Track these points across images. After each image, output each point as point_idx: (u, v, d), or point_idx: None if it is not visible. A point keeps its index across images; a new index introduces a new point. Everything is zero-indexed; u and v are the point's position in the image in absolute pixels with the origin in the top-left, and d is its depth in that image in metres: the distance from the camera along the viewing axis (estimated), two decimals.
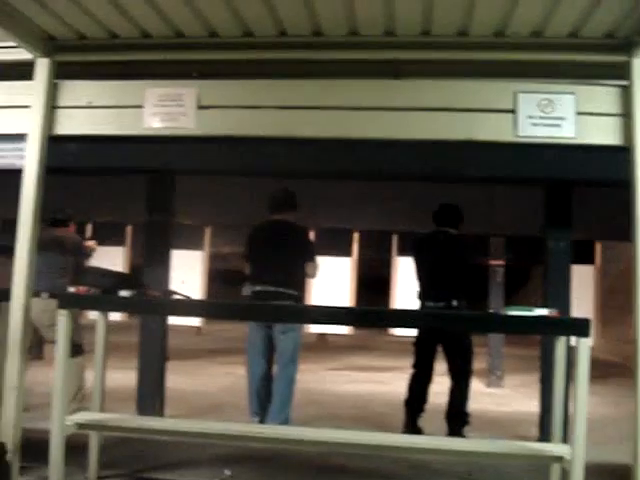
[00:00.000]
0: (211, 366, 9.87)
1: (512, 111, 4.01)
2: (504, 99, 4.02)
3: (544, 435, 5.03)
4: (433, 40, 4.02)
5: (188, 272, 8.81)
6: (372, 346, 13.45)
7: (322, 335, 12.64)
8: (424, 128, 4.08)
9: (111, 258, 8.36)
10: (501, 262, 8.69)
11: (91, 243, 6.28)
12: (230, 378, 8.63)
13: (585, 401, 3.41)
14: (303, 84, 4.19)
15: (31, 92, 4.26)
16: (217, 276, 12.16)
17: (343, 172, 4.68)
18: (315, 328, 9.36)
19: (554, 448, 3.78)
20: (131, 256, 9.54)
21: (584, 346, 3.42)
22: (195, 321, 10.31)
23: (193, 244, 9.13)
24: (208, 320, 11.05)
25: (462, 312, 5.12)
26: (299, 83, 4.20)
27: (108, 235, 8.53)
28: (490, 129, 4.03)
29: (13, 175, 4.64)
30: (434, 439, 4.36)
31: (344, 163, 4.53)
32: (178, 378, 6.86)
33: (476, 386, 5.65)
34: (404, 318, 4.24)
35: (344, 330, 9.76)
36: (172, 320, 6.44)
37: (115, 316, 5.93)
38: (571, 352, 3.68)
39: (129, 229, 9.39)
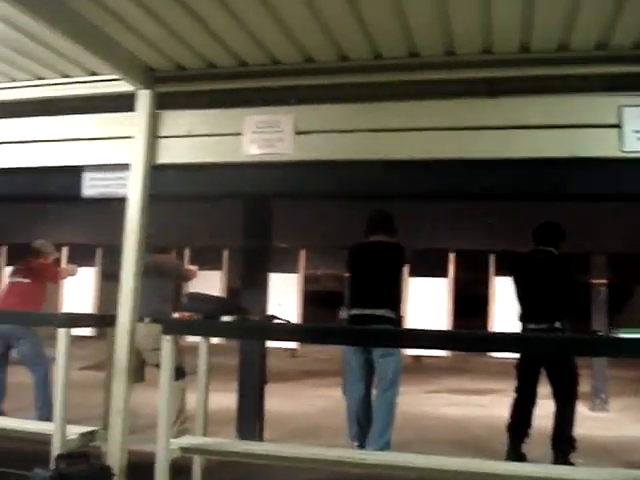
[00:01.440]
0: (307, 388, 9.88)
1: (617, 126, 3.88)
2: (608, 114, 3.90)
3: None
4: (532, 56, 3.94)
5: (284, 294, 8.87)
6: (469, 368, 13.18)
7: (417, 357, 12.48)
8: (524, 146, 4.01)
9: (209, 282, 8.50)
10: (604, 281, 8.39)
11: (193, 268, 6.42)
12: (327, 401, 8.60)
13: None
14: (398, 106, 4.18)
15: (133, 123, 4.41)
16: (312, 298, 12.19)
17: (439, 193, 4.61)
18: (410, 350, 9.26)
19: None
20: (228, 280, 9.67)
21: None
22: (291, 343, 10.36)
23: (288, 267, 9.20)
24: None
25: (569, 335, 4.95)
26: (394, 105, 4.20)
27: (205, 260, 8.68)
28: (594, 145, 3.92)
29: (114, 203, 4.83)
30: (541, 467, 4.20)
31: (440, 184, 4.45)
32: (275, 400, 6.87)
33: (580, 410, 5.45)
34: (514, 342, 4.11)
35: (439, 352, 9.61)
36: (268, 342, 6.48)
37: (214, 338, 6.01)
38: None
39: (226, 253, 9.53)
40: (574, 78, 4.08)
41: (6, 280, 6.90)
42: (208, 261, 8.90)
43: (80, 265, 7.60)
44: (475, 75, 4.07)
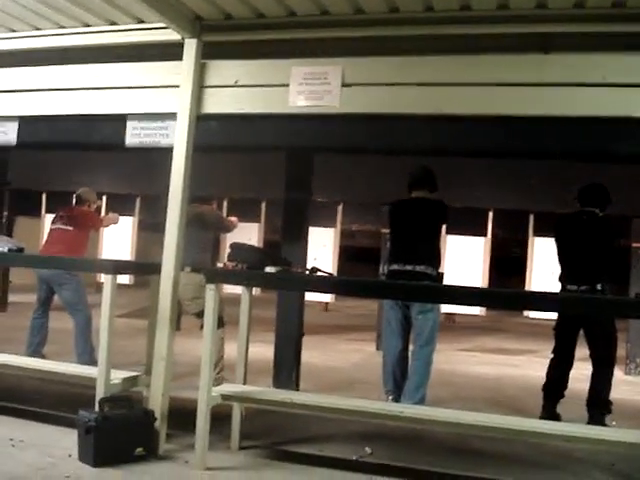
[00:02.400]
0: (341, 342, 9.95)
1: None
2: None
3: None
4: (587, 12, 3.84)
5: (320, 249, 8.89)
6: (503, 328, 13.17)
7: (450, 315, 12.47)
8: (576, 104, 3.90)
9: (246, 234, 8.55)
10: None
11: (233, 219, 6.45)
12: (361, 354, 8.69)
13: None
14: (448, 60, 4.10)
15: (179, 72, 4.38)
16: (346, 254, 12.22)
17: (484, 150, 4.54)
18: (443, 308, 9.27)
19: None
20: (265, 232, 9.72)
21: None
22: (324, 297, 10.42)
23: (326, 221, 9.20)
24: (337, 297, 11.13)
25: (611, 297, 4.91)
26: (444, 59, 4.11)
27: (243, 211, 8.71)
28: None
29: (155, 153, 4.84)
30: (578, 427, 4.20)
31: (487, 141, 4.39)
32: (311, 353, 6.96)
33: (614, 373, 5.45)
34: (555, 302, 4.09)
35: (474, 311, 9.60)
36: None
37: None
38: None
39: (264, 205, 9.56)
40: (630, 36, 3.97)
41: (48, 227, 6.98)
42: (246, 213, 8.92)
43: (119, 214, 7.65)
44: (528, 30, 3.97)
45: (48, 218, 9.04)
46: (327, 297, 10.49)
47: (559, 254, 5.48)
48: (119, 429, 3.85)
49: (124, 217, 8.78)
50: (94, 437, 3.74)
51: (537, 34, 4.04)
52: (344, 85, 4.15)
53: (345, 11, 4.07)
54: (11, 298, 11.11)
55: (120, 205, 9.38)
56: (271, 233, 9.86)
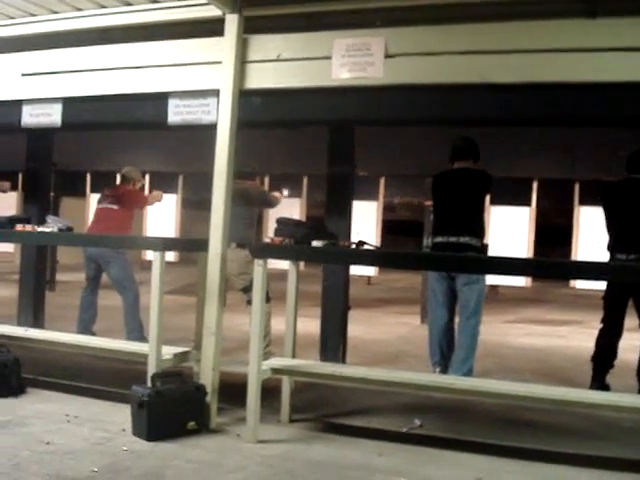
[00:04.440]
0: (386, 316, 9.96)
1: None
2: None
3: None
4: None
5: (363, 223, 8.88)
6: (548, 299, 13.06)
7: (494, 287, 12.39)
8: (623, 70, 3.82)
9: (288, 209, 8.56)
10: None
11: (277, 194, 6.46)
12: (406, 328, 8.69)
13: None
14: (493, 27, 4.03)
15: (221, 48, 4.37)
16: (389, 227, 12.19)
17: (532, 118, 4.47)
18: (487, 280, 9.21)
19: None
20: (308, 207, 9.73)
21: None
22: (367, 271, 10.42)
23: (368, 195, 9.17)
24: (380, 270, 11.12)
25: None
26: (489, 26, 4.05)
27: (285, 187, 8.72)
28: None
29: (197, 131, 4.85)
30: (628, 396, 4.16)
31: (534, 108, 4.32)
32: (356, 327, 6.97)
33: None
34: (605, 271, 4.04)
35: (518, 282, 9.52)
36: None
37: None
38: None
39: (305, 180, 9.56)
40: None
41: (94, 206, 7.06)
42: (287, 188, 8.94)
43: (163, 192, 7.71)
44: None
45: (93, 198, 9.16)
46: (370, 271, 10.48)
47: (607, 223, 5.38)
48: (171, 404, 3.90)
49: (167, 195, 8.85)
50: (147, 412, 3.80)
51: None
52: (387, 56, 4.12)
53: None
54: (59, 277, 11.32)
55: (164, 183, 9.46)
56: (313, 208, 9.88)
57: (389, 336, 8.04)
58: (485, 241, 5.35)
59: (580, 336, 8.05)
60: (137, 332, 6.21)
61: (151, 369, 4.11)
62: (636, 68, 3.79)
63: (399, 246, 11.08)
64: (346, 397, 4.82)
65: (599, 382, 5.23)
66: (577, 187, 8.71)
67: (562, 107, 4.15)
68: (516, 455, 3.78)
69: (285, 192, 6.46)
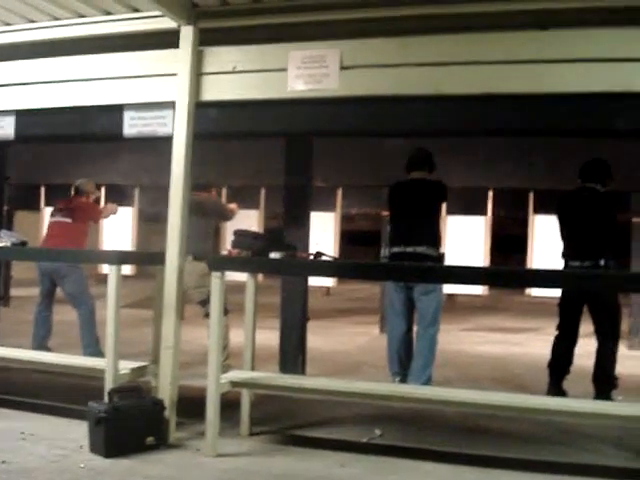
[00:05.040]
0: (345, 326, 9.99)
1: None
2: None
3: None
4: None
5: (321, 233, 8.87)
6: (504, 307, 13.22)
7: (451, 296, 12.51)
8: (576, 80, 3.89)
9: (245, 221, 8.52)
10: None
11: (233, 206, 6.43)
12: (365, 338, 8.71)
13: None
14: (448, 39, 4.07)
15: (177, 60, 4.36)
16: (347, 238, 12.22)
17: (485, 129, 4.53)
18: (444, 289, 9.28)
19: None
20: (265, 219, 9.69)
21: None
22: (325, 282, 10.41)
23: (326, 205, 9.17)
24: (338, 281, 11.13)
25: (613, 271, 4.92)
26: (442, 39, 4.09)
27: (242, 198, 8.68)
28: None
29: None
30: (585, 402, 4.23)
31: (487, 120, 4.38)
32: (315, 338, 6.97)
33: None
34: (560, 278, 4.10)
35: (474, 290, 9.60)
36: None
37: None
38: None
39: (263, 192, 9.52)
40: (631, 10, 3.94)
41: (48, 220, 6.95)
42: (245, 200, 8.89)
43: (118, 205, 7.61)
44: (526, 7, 3.94)
45: (47, 211, 9.01)
46: (329, 282, 10.48)
47: (562, 231, 5.48)
48: (129, 419, 3.85)
49: (124, 208, 8.74)
50: (105, 428, 3.75)
51: (535, 11, 4.01)
52: (342, 68, 4.13)
53: None
54: (13, 292, 11.12)
55: (120, 195, 9.34)
56: (271, 219, 9.85)
57: (348, 346, 8.06)
58: (441, 250, 5.41)
59: (536, 343, 8.16)
60: (93, 347, 6.13)
61: (108, 384, 4.05)
62: (586, 79, 3.86)
63: (358, 256, 11.10)
64: (306, 409, 4.81)
65: (556, 388, 5.30)
66: (532, 196, 8.82)
67: (516, 118, 4.20)
68: (476, 463, 3.81)
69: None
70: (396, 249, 5.28)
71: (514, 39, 4.03)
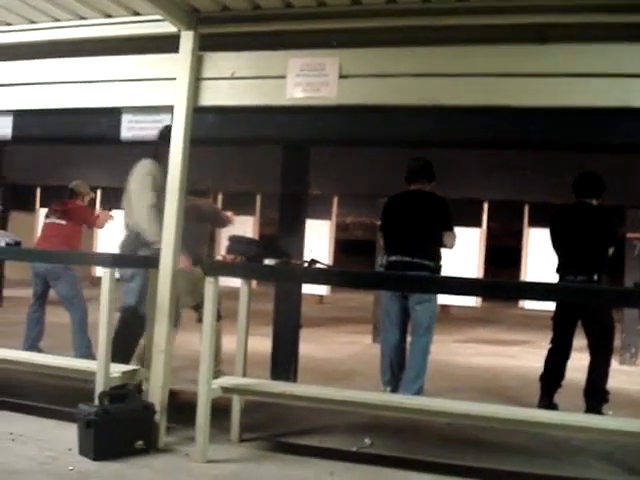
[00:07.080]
0: (337, 335, 9.97)
1: None
2: None
3: None
4: (584, 2, 3.83)
5: (316, 241, 8.89)
6: (497, 319, 13.22)
7: (445, 307, 12.52)
8: (573, 95, 3.90)
9: (241, 227, 8.53)
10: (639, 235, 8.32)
11: (229, 214, 6.42)
12: (358, 347, 8.71)
13: None
14: (445, 51, 4.09)
15: (176, 64, 4.35)
16: (341, 246, 12.24)
17: (483, 141, 4.56)
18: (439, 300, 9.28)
19: None
20: (261, 226, 9.71)
21: None
22: (318, 290, 10.42)
23: (321, 214, 9.19)
24: (332, 289, 11.14)
25: (607, 286, 4.94)
26: (441, 50, 4.10)
27: (238, 205, 8.69)
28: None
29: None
30: (576, 416, 4.23)
31: (484, 132, 4.41)
32: (307, 346, 6.95)
33: None
34: (554, 292, 4.10)
35: (469, 302, 9.62)
36: None
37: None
38: None
39: (259, 199, 9.55)
40: (629, 27, 3.96)
41: (42, 221, 6.94)
42: (241, 206, 8.91)
43: (113, 208, 7.60)
44: (526, 21, 3.96)
45: (42, 212, 9.01)
46: (322, 290, 10.48)
47: (556, 246, 5.49)
48: (119, 423, 3.83)
49: (119, 211, 8.72)
50: (94, 431, 3.73)
51: (535, 24, 4.03)
52: (341, 77, 4.14)
53: (342, 2, 4.05)
54: (5, 293, 11.09)
55: (116, 199, 9.31)
56: (266, 227, 9.87)
57: (341, 355, 8.05)
58: (440, 263, 5.39)
59: (529, 356, 8.17)
60: (85, 349, 6.11)
61: (99, 387, 4.03)
62: (586, 93, 3.87)
63: (352, 265, 11.14)
64: (297, 416, 4.80)
65: (547, 401, 5.30)
66: (527, 209, 8.85)
67: (512, 130, 4.22)
68: (466, 474, 3.80)
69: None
70: (394, 258, 5.28)
71: (513, 52, 4.04)
